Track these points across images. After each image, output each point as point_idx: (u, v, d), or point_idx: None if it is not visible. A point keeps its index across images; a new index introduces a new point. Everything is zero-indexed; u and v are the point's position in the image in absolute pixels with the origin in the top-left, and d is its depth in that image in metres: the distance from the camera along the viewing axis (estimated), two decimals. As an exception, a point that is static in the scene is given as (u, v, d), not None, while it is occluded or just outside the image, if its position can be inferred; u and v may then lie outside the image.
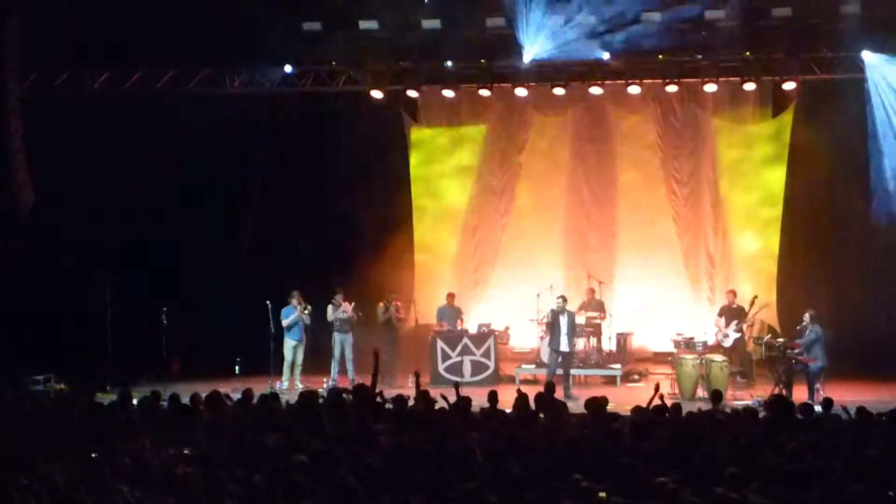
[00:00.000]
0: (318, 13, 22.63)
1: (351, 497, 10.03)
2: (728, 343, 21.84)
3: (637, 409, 14.61)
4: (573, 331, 21.65)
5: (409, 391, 16.61)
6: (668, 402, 15.13)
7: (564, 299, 21.85)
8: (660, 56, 22.94)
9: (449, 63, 23.44)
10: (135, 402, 15.97)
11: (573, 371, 21.96)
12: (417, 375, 16.58)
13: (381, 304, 23.08)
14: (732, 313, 22.08)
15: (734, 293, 22.57)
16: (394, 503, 10.11)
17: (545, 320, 22.31)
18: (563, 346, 21.33)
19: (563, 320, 21.37)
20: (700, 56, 22.90)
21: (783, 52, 22.47)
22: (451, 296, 23.82)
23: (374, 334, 22.78)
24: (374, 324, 23.07)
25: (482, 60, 23.58)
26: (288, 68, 23.87)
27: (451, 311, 23.59)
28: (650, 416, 14.37)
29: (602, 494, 10.14)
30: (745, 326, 21.99)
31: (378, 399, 15.35)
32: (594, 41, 22.03)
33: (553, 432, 13.23)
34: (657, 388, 15.33)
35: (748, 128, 24.67)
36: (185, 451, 12.36)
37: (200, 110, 23.30)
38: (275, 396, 16.28)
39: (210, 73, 24.13)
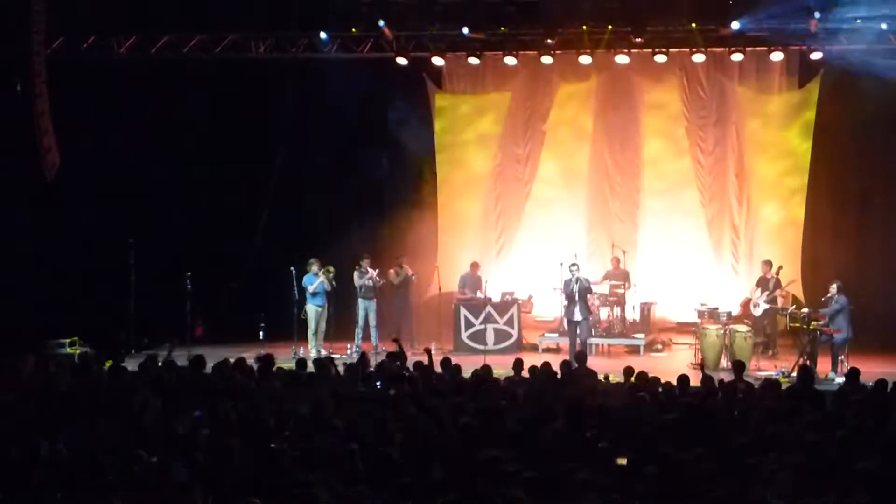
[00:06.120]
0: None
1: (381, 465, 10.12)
2: (758, 312, 21.78)
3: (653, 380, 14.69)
4: (585, 298, 21.04)
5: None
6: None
7: (576, 266, 21.10)
8: (693, 25, 22.83)
9: (466, 30, 23.28)
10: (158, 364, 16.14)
11: (595, 340, 21.80)
12: (429, 351, 16.68)
13: (392, 269, 23.10)
14: (767, 284, 21.99)
15: (769, 264, 22.27)
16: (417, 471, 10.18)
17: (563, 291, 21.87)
18: (576, 316, 20.84)
19: (575, 289, 20.77)
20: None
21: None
22: (475, 265, 23.75)
23: (392, 299, 22.91)
24: (391, 289, 23.14)
25: (502, 28, 23.52)
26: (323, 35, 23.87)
27: (473, 280, 23.51)
28: (673, 387, 14.39)
29: (622, 461, 10.21)
30: (776, 295, 21.87)
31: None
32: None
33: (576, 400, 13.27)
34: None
35: (774, 98, 24.42)
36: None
37: (227, 76, 23.43)
38: (301, 363, 16.38)
39: (236, 39, 24.08)
